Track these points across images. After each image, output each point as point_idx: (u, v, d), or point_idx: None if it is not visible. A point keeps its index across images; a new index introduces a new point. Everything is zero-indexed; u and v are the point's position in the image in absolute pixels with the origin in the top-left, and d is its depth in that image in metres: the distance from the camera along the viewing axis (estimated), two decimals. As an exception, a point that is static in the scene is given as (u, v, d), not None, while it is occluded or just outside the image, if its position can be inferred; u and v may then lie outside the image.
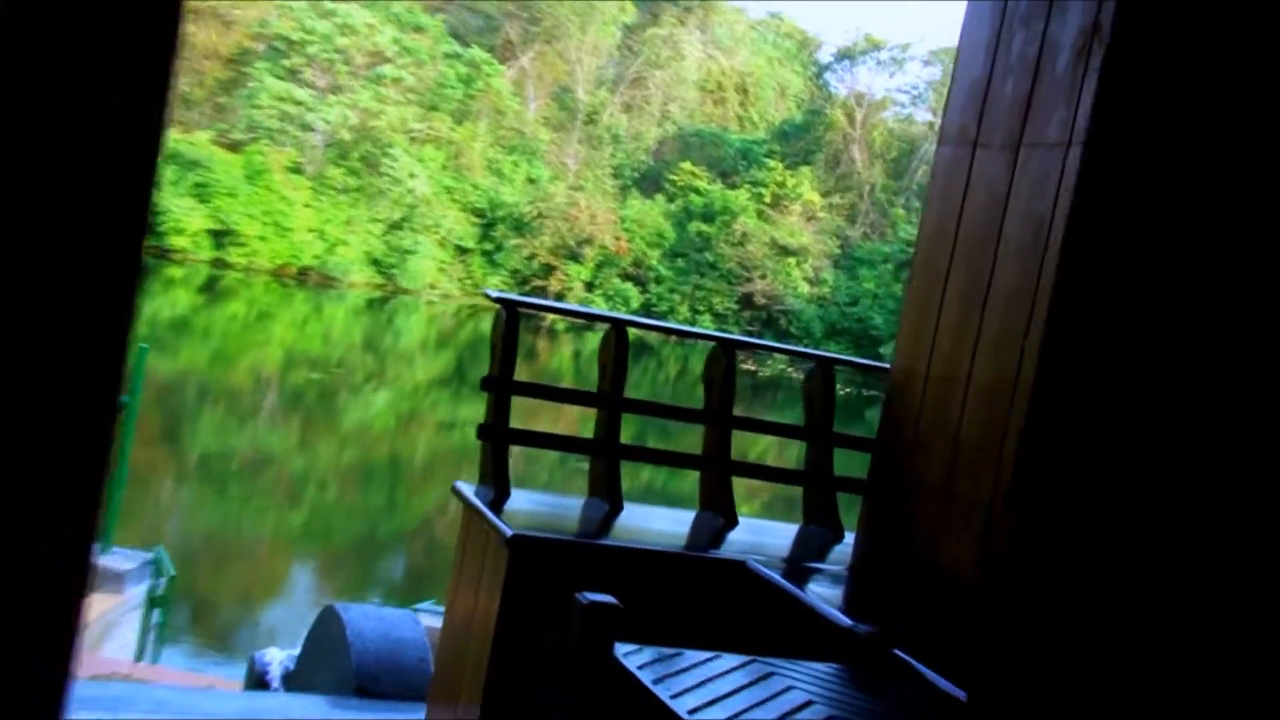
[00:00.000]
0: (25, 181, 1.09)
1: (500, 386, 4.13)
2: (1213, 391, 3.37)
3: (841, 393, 5.41)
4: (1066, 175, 3.38)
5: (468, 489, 4.15)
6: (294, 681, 5.59)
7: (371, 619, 5.15)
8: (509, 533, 3.67)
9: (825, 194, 49.23)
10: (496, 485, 4.13)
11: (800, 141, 50.62)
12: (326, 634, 5.17)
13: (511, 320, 4.15)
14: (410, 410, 28.77)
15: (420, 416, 28.31)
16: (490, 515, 3.83)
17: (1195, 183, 3.34)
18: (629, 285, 44.94)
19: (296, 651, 5.85)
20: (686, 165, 48.07)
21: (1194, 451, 3.37)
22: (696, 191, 47.27)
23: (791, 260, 46.43)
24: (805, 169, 49.02)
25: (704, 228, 46.14)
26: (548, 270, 44.28)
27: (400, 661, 4.92)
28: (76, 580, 1.14)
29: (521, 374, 4.23)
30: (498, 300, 4.22)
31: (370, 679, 4.83)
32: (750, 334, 43.74)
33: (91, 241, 1.11)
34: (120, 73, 1.14)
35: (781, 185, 47.91)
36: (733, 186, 47.72)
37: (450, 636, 4.11)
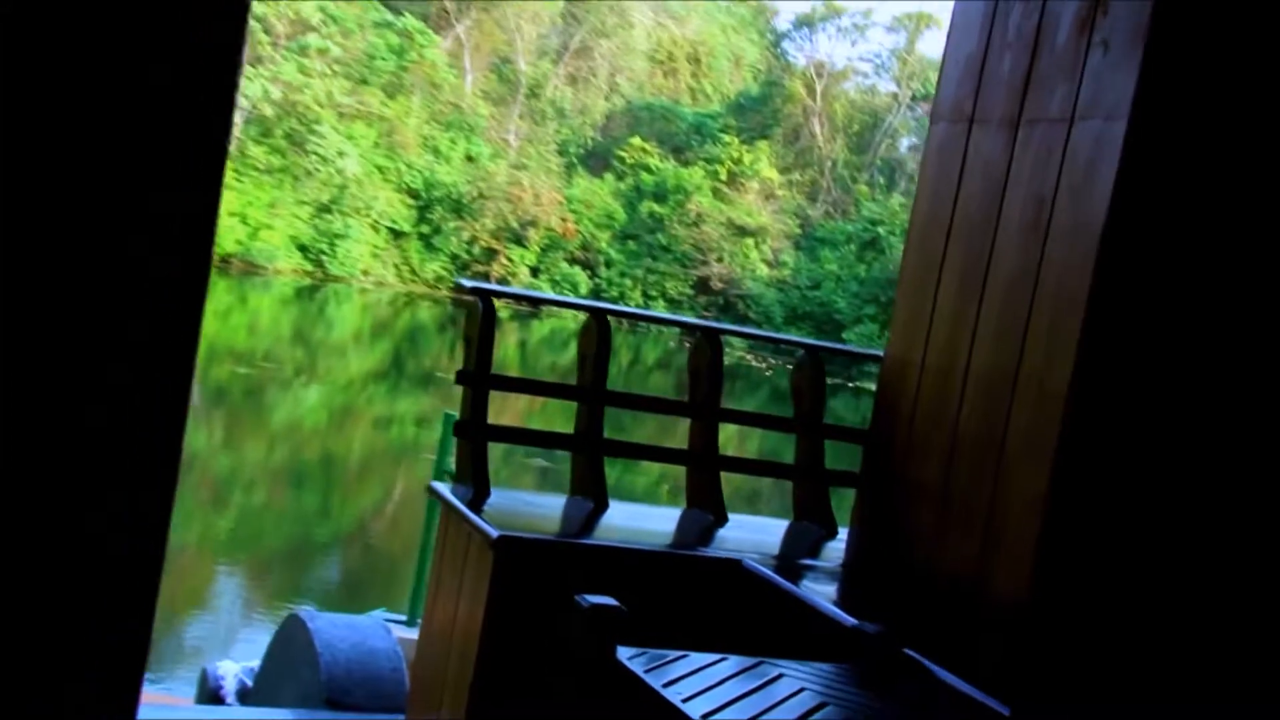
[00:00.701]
0: (104, 189, 1.16)
1: (478, 381, 4.18)
2: (1257, 386, 3.44)
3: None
4: (1070, 152, 3.47)
5: (444, 488, 4.20)
6: (253, 696, 5.60)
7: (340, 627, 5.18)
8: (494, 534, 3.72)
9: (784, 170, 49.35)
10: (476, 484, 4.17)
11: (757, 115, 50.66)
12: (291, 644, 5.19)
13: (488, 311, 4.20)
14: (344, 406, 28.59)
15: (355, 412, 28.14)
16: (472, 516, 3.88)
17: (1240, 163, 3.39)
18: (577, 270, 44.83)
19: (253, 664, 5.86)
20: (636, 141, 47.98)
21: (1237, 451, 3.44)
22: (647, 169, 47.21)
23: (749, 241, 46.51)
24: (763, 144, 49.09)
25: (656, 208, 46.11)
26: (490, 255, 44.07)
27: (373, 672, 4.96)
28: (155, 550, 1.24)
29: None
30: (473, 291, 4.26)
31: (341, 691, 4.86)
32: (706, 320, 43.74)
33: (165, 240, 1.18)
34: (187, 82, 1.21)
35: (738, 162, 47.96)
36: (686, 164, 47.67)
37: (429, 643, 4.15)
